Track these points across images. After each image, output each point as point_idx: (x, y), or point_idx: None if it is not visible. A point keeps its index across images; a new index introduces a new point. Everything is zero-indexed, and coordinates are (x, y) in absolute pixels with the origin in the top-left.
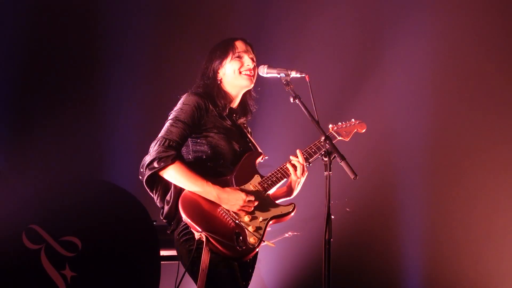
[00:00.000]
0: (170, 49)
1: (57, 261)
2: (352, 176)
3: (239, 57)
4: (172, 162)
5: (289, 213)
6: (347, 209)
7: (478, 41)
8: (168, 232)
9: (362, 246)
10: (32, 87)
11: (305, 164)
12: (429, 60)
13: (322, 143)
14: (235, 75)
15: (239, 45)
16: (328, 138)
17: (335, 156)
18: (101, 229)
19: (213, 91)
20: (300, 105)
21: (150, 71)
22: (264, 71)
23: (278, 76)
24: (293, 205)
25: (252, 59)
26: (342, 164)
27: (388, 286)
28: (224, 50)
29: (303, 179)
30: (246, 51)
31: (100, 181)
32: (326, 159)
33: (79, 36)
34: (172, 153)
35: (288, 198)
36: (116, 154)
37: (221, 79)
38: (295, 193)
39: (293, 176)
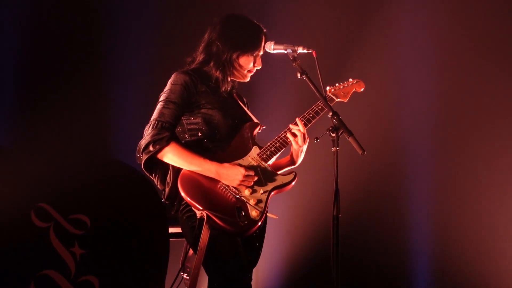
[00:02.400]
0: (180, 27)
1: (66, 239)
2: (360, 152)
3: (257, 56)
4: (167, 144)
5: (289, 182)
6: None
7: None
8: (172, 213)
9: (369, 233)
10: (42, 65)
11: (306, 133)
12: (435, 36)
13: (319, 107)
14: (243, 71)
15: (262, 43)
16: (336, 114)
17: (342, 132)
18: (110, 207)
19: (215, 73)
20: (308, 81)
21: (159, 50)
22: (271, 47)
23: (285, 52)
24: (293, 173)
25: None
26: (350, 139)
27: (397, 278)
28: (251, 43)
29: (305, 147)
30: (262, 48)
31: (108, 159)
32: (333, 134)
33: (87, 19)
34: (166, 134)
35: (293, 167)
36: (125, 132)
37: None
38: (299, 161)
39: (294, 145)
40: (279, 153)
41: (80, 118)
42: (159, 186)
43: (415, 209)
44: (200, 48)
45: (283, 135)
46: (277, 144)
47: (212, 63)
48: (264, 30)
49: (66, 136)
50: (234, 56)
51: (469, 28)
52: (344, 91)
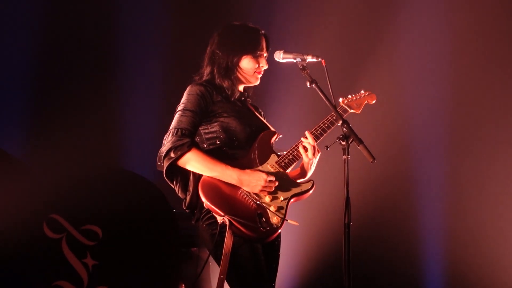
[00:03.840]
0: (188, 38)
1: (78, 250)
2: (370, 160)
3: (259, 56)
4: (189, 149)
5: (308, 190)
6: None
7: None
8: (192, 222)
9: (381, 239)
10: (52, 78)
11: (316, 146)
12: (447, 39)
13: (329, 121)
14: (248, 74)
15: (262, 43)
16: (346, 122)
17: (352, 140)
18: (121, 217)
19: (222, 82)
20: (317, 89)
21: (167, 61)
22: (280, 57)
23: (294, 61)
24: (311, 182)
25: (265, 58)
26: (360, 147)
27: (409, 280)
28: (248, 44)
29: (315, 160)
30: (264, 49)
31: (119, 169)
32: (343, 143)
33: (96, 29)
34: (187, 140)
35: (303, 180)
36: (135, 143)
37: (238, 67)
38: (309, 174)
39: (305, 158)
40: (297, 161)
41: (92, 129)
42: (180, 195)
43: (426, 216)
44: (205, 62)
45: (299, 144)
46: (295, 153)
47: (216, 73)
48: (262, 31)
49: (77, 147)
50: (235, 60)
51: (479, 34)
52: (357, 102)
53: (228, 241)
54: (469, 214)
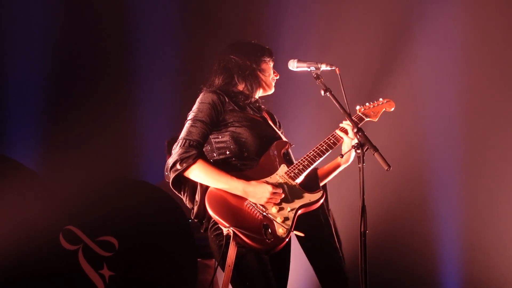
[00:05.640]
0: (203, 48)
1: (94, 261)
2: (385, 168)
3: (271, 62)
4: (194, 162)
5: (317, 200)
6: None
7: None
8: (201, 231)
9: (397, 246)
10: (67, 89)
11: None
12: (459, 44)
13: (331, 140)
14: (268, 77)
15: (270, 52)
16: (361, 130)
17: (368, 148)
18: (137, 228)
19: (241, 84)
20: (332, 98)
21: (181, 71)
22: (294, 66)
23: (308, 69)
24: (321, 192)
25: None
26: (375, 155)
27: (425, 281)
28: (265, 49)
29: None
30: (272, 60)
31: (134, 180)
32: (359, 151)
33: (111, 38)
34: (194, 152)
35: (345, 166)
36: (150, 153)
37: (259, 74)
38: (348, 162)
39: (346, 139)
40: (307, 171)
41: (107, 140)
42: (188, 205)
43: (443, 223)
44: (216, 71)
45: (311, 153)
46: (305, 163)
47: (235, 77)
48: (268, 48)
49: (92, 159)
50: (255, 61)
51: (496, 41)
52: (374, 110)
53: (231, 253)
54: (485, 221)
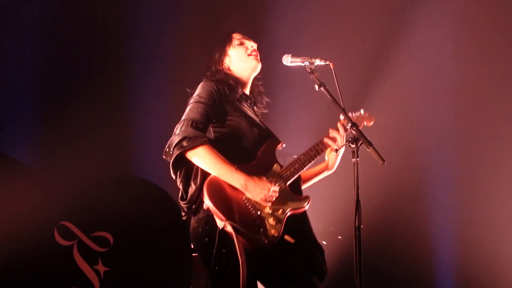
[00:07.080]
0: (201, 47)
1: (89, 257)
2: (380, 162)
3: (241, 43)
4: (202, 144)
5: (303, 206)
6: (339, 237)
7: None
8: (183, 216)
9: (391, 241)
10: (62, 84)
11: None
12: (452, 42)
13: (318, 147)
14: (242, 58)
15: (236, 35)
16: (355, 125)
17: (362, 143)
18: (132, 223)
19: (224, 78)
20: (326, 92)
21: (180, 68)
22: (288, 60)
23: (303, 64)
24: (307, 199)
25: (253, 44)
26: (370, 150)
27: (420, 282)
28: (223, 40)
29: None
30: (245, 38)
31: (129, 176)
32: (353, 145)
33: (107, 35)
34: (202, 134)
35: (328, 173)
36: (145, 149)
37: (228, 67)
38: (335, 167)
39: (334, 146)
40: (297, 174)
41: (102, 136)
42: (180, 186)
43: (437, 218)
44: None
45: (301, 158)
46: (296, 165)
47: (210, 72)
48: (235, 29)
49: (87, 154)
50: (217, 57)
51: (490, 39)
52: (356, 120)
53: (240, 247)
54: (480, 216)
